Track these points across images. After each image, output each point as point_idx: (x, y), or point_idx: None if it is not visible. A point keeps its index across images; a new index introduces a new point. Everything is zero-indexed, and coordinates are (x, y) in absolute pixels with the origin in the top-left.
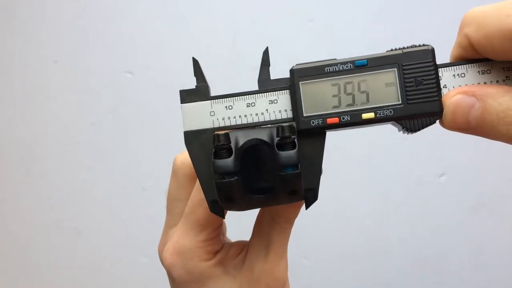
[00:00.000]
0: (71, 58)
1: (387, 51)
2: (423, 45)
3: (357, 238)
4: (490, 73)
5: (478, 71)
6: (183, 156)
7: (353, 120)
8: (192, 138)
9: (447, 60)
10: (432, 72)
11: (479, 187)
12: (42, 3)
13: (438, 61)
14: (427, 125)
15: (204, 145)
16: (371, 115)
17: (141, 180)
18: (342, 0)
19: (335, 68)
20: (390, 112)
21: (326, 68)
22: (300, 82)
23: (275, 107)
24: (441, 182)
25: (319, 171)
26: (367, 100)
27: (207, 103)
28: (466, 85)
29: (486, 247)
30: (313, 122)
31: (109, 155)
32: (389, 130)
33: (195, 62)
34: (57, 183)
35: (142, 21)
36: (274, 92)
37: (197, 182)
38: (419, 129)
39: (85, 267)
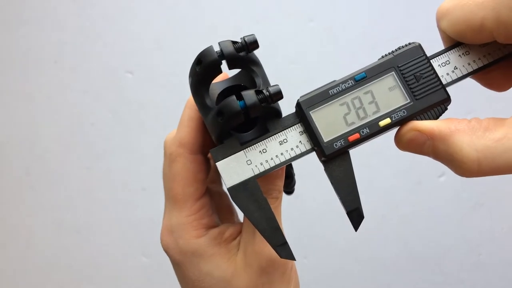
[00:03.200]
0: (71, 58)
1: (379, 58)
2: (410, 43)
3: (357, 237)
4: (469, 54)
5: (459, 55)
6: (170, 135)
7: (373, 131)
8: (238, 192)
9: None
10: (427, 64)
11: (478, 187)
12: (42, 3)
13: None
14: (440, 114)
15: (252, 194)
16: (387, 121)
17: (141, 180)
18: (342, 0)
19: (338, 88)
20: (404, 112)
21: (330, 91)
22: (310, 112)
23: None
24: (441, 182)
25: (356, 190)
26: (378, 108)
27: (240, 154)
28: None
29: (485, 247)
30: (336, 145)
31: (109, 155)
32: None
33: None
34: (57, 183)
35: (142, 21)
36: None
37: (167, 157)
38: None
39: (85, 267)
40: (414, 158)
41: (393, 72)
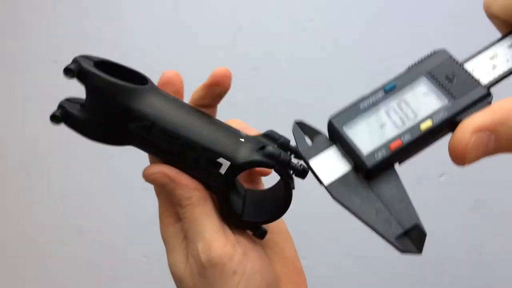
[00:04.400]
0: (71, 58)
1: (406, 68)
2: (435, 50)
3: (357, 237)
4: None
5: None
6: None
7: (414, 136)
8: (338, 188)
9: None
10: (458, 65)
11: (479, 187)
12: (42, 3)
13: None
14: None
15: (352, 187)
16: (428, 123)
17: (141, 180)
18: (342, 0)
19: (369, 102)
20: (444, 112)
21: (360, 106)
22: (344, 128)
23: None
24: (441, 182)
25: (411, 205)
26: (416, 114)
27: (332, 149)
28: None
29: (485, 246)
30: (377, 156)
31: (109, 155)
32: None
33: (296, 128)
34: (57, 183)
35: (141, 21)
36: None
37: None
38: None
39: (85, 267)
40: (415, 157)
41: (424, 77)
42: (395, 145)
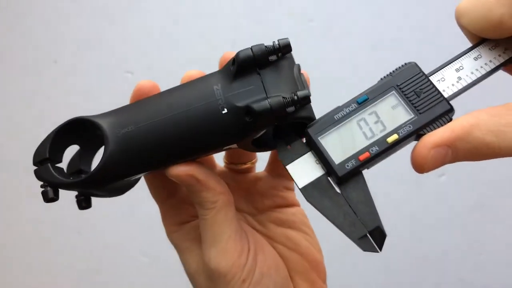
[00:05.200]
0: (71, 58)
1: (379, 81)
2: (406, 63)
3: None
4: (499, 45)
5: (489, 48)
6: None
7: (382, 148)
8: (311, 191)
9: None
10: (426, 80)
11: (479, 187)
12: (42, 3)
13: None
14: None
15: (324, 191)
16: (395, 136)
17: (141, 180)
18: (342, 0)
19: (342, 113)
20: (409, 127)
21: (335, 116)
22: (318, 138)
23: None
24: (441, 182)
25: (374, 209)
26: (384, 127)
27: (308, 154)
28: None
29: (486, 247)
30: (347, 165)
31: None
32: None
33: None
34: None
35: (142, 21)
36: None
37: None
38: None
39: (85, 267)
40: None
41: (393, 91)
42: (364, 156)
